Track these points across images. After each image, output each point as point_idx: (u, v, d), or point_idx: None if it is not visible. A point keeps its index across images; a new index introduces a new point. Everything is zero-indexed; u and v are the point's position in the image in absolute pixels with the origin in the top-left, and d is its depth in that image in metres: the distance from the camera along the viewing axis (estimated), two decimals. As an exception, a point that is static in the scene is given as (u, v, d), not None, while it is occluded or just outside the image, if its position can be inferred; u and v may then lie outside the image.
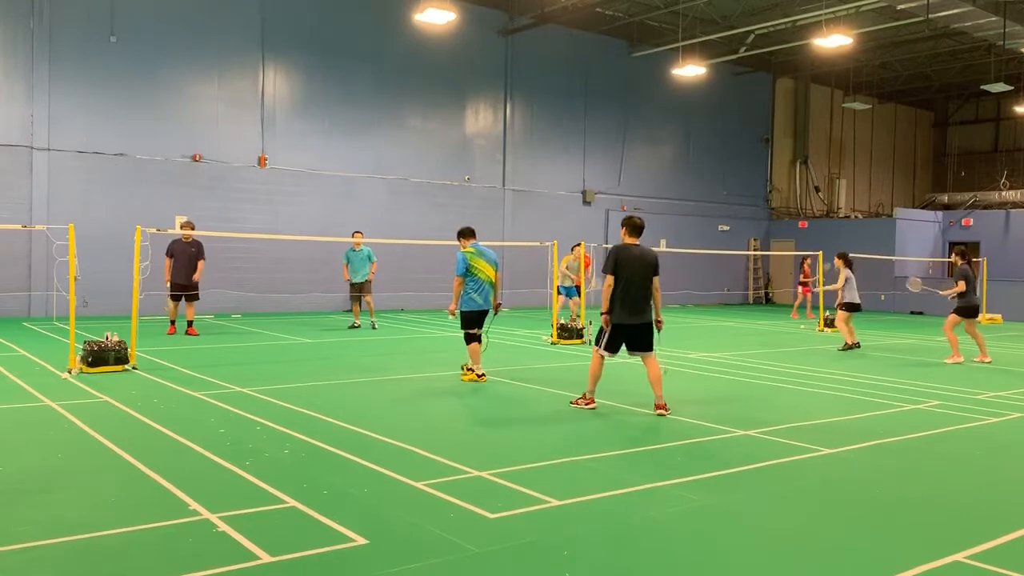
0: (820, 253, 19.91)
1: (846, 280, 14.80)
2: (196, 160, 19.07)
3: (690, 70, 23.00)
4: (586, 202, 25.72)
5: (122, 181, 18.24)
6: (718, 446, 7.02)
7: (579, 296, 16.92)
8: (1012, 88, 26.82)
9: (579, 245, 17.28)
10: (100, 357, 10.11)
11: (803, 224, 29.96)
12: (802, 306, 23.06)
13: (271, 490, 5.36)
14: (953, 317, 13.20)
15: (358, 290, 16.49)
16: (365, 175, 21.48)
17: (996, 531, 4.87)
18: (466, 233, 10.22)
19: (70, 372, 9.92)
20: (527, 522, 4.87)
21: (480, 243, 10.26)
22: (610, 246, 9.24)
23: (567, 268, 17.82)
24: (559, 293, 17.10)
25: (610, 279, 8.16)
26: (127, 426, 7.27)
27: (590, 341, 13.07)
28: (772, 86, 31.01)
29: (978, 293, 15.23)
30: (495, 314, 10.18)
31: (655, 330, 8.37)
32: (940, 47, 27.80)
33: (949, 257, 19.44)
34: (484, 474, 5.83)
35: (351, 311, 17.10)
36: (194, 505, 5.01)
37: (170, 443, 6.66)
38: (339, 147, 21.05)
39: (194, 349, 12.85)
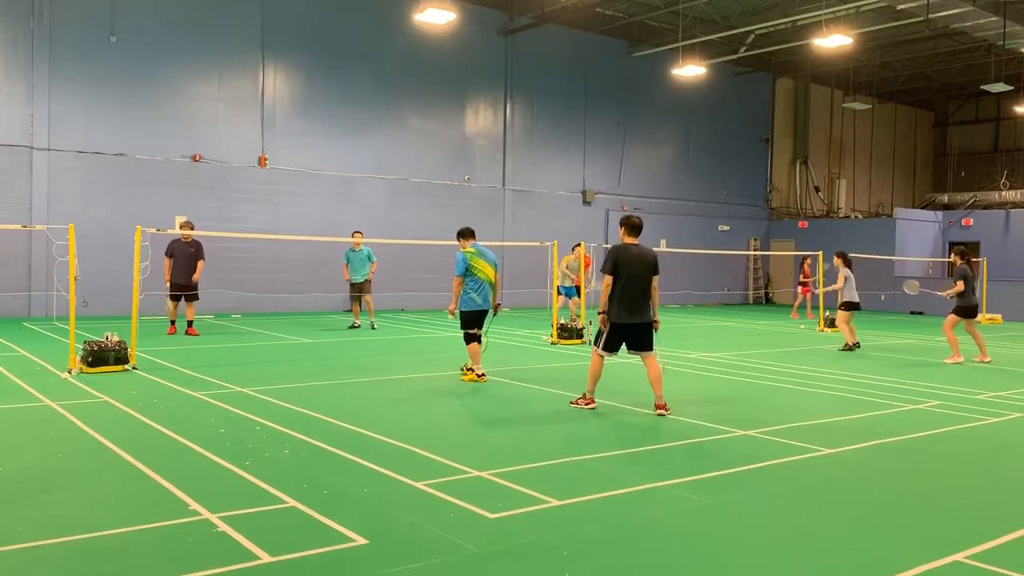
0: (820, 253, 19.89)
1: (845, 279, 14.81)
2: (196, 160, 19.08)
3: (690, 70, 23.00)
4: (586, 202, 25.71)
5: (122, 181, 18.25)
6: (718, 446, 7.02)
7: (579, 296, 16.93)
8: (1012, 88, 26.82)
9: (579, 245, 17.28)
10: (100, 357, 10.11)
11: (803, 224, 29.95)
12: (802, 306, 23.06)
13: (271, 490, 5.36)
14: (952, 317, 13.21)
15: (358, 290, 16.49)
16: (365, 175, 21.48)
17: (996, 531, 4.87)
18: (466, 233, 10.23)
19: (70, 372, 9.92)
20: (527, 522, 4.87)
21: (480, 243, 10.27)
22: (610, 246, 9.22)
23: (567, 268, 17.84)
24: (559, 293, 17.09)
25: (609, 279, 8.16)
26: (127, 426, 7.27)
27: (590, 341, 13.07)
28: (772, 86, 31.00)
29: (977, 293, 15.23)
30: (494, 315, 10.19)
31: (654, 330, 8.38)
32: (940, 47, 27.80)
33: (949, 257, 19.42)
34: (484, 474, 5.83)
35: (351, 311, 17.10)
36: (194, 505, 5.01)
37: (170, 443, 6.66)
38: (339, 147, 21.05)
39: (194, 349, 12.85)
